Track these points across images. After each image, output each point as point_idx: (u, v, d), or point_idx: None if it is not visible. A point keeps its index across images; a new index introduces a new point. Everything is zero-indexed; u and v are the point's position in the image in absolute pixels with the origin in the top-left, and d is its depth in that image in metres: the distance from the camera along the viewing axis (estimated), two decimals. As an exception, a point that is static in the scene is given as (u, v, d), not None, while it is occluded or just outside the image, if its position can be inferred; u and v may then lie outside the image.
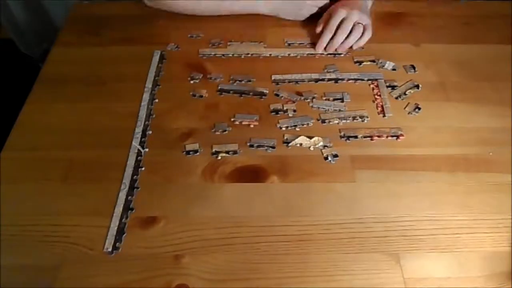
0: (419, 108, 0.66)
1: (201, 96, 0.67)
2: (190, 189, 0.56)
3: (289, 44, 0.76)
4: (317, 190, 0.56)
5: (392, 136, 0.62)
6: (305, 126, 0.63)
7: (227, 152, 0.60)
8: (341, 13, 0.72)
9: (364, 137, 0.62)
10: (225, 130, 0.63)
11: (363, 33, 0.73)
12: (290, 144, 0.61)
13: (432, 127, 0.64)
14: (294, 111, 0.65)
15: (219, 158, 0.59)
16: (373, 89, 0.69)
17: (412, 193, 0.56)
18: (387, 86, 0.69)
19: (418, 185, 0.57)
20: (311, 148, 0.61)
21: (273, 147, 0.61)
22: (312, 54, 0.75)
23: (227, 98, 0.67)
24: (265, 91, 0.68)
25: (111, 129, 0.63)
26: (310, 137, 0.61)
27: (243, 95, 0.68)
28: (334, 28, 0.72)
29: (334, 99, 0.67)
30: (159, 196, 0.56)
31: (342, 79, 0.70)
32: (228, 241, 0.52)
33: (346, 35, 0.72)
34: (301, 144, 0.61)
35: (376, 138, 0.62)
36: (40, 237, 0.52)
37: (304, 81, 0.70)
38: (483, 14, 0.82)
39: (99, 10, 0.83)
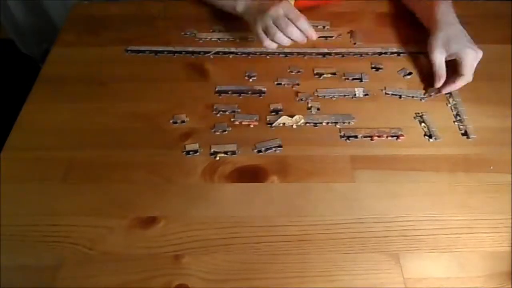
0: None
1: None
2: (190, 189, 0.56)
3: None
4: (317, 190, 0.56)
5: (392, 136, 0.62)
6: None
7: (226, 153, 0.60)
8: (474, 57, 0.65)
9: (364, 137, 0.62)
10: (225, 130, 0.63)
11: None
12: (273, 125, 0.63)
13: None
14: (318, 109, 0.66)
15: (218, 158, 0.59)
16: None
17: (412, 193, 0.56)
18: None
19: (418, 185, 0.57)
20: (294, 126, 0.62)
21: (280, 147, 0.61)
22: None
23: (227, 99, 0.67)
24: (263, 89, 0.68)
25: (111, 129, 0.63)
26: (292, 116, 0.63)
27: (242, 94, 0.68)
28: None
29: (353, 79, 0.70)
30: (159, 196, 0.56)
31: (404, 53, 0.74)
32: (228, 241, 0.52)
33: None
34: (284, 124, 0.62)
35: (376, 138, 0.62)
36: (40, 237, 0.52)
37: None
38: (483, 14, 0.82)
39: (99, 10, 0.83)
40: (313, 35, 0.65)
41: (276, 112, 0.65)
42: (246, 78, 0.70)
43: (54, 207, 0.55)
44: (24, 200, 0.55)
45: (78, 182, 0.57)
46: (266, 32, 0.65)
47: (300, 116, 0.63)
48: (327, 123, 0.64)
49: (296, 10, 0.65)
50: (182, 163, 0.59)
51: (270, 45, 0.66)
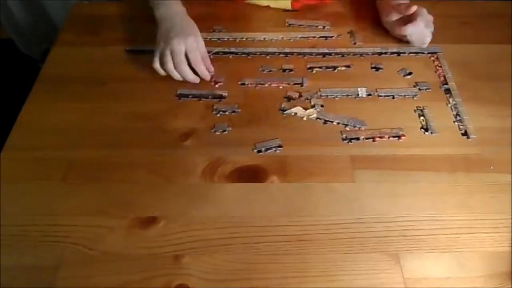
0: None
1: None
2: (190, 189, 0.56)
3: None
4: (317, 190, 0.56)
5: (393, 137, 0.62)
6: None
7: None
8: None
9: (366, 138, 0.62)
10: (225, 130, 0.63)
11: None
12: (285, 112, 0.65)
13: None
14: (322, 106, 0.66)
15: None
16: (433, 61, 0.74)
17: (412, 193, 0.56)
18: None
19: (418, 185, 0.57)
20: (304, 119, 0.64)
21: (280, 147, 0.61)
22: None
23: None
24: (224, 94, 0.68)
25: (111, 129, 0.63)
26: (306, 109, 0.64)
27: (202, 99, 0.67)
28: None
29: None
30: (159, 196, 0.56)
31: (404, 53, 0.75)
32: (228, 241, 0.52)
33: None
34: (295, 114, 0.64)
35: (378, 139, 0.62)
36: (40, 237, 0.52)
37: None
38: (483, 14, 0.82)
39: (99, 10, 0.83)
40: (208, 77, 0.68)
41: (290, 99, 0.66)
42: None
43: (54, 207, 0.55)
44: (24, 200, 0.55)
45: (78, 182, 0.57)
46: (160, 58, 0.65)
47: (313, 110, 0.64)
48: (338, 123, 0.64)
49: (200, 51, 0.66)
50: (182, 163, 0.59)
51: (159, 70, 0.66)
